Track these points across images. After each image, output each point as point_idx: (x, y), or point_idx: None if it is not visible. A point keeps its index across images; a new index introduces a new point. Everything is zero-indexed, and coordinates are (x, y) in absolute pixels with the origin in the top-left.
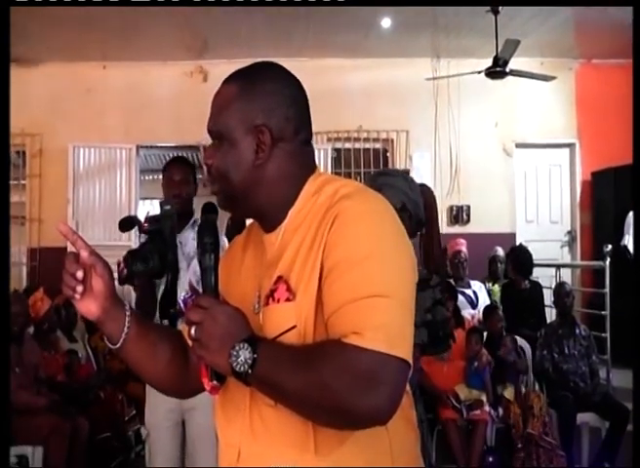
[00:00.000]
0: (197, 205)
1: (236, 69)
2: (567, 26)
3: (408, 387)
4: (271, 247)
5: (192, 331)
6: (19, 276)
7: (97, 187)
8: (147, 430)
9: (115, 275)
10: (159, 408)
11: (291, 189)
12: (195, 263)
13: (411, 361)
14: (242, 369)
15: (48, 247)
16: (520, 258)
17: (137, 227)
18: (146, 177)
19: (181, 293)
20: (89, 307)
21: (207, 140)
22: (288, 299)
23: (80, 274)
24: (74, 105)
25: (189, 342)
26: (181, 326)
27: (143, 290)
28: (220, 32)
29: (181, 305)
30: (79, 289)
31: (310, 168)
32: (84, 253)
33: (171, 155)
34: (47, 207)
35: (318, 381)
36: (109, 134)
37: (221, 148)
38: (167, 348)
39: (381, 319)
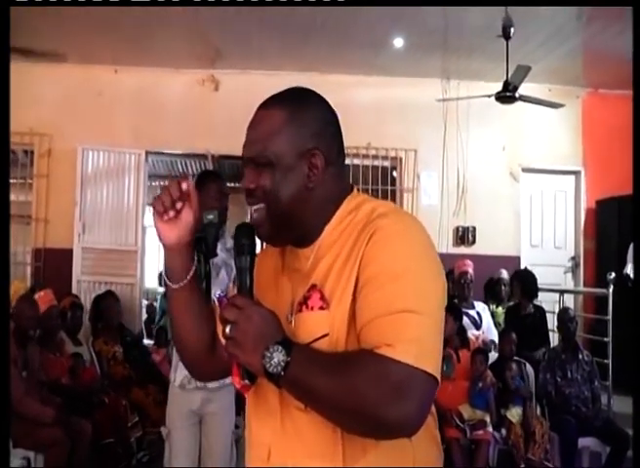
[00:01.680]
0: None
1: (272, 95)
2: (576, 55)
3: (433, 409)
4: (306, 258)
5: (227, 330)
6: (23, 276)
7: (104, 190)
8: (168, 429)
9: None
10: (182, 408)
11: (332, 207)
12: (223, 273)
13: (439, 377)
14: (275, 370)
15: (53, 248)
16: (526, 282)
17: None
18: (153, 183)
19: (217, 292)
20: (169, 232)
21: (215, 150)
22: (321, 308)
23: (180, 199)
24: (85, 107)
25: (220, 337)
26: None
27: None
28: (232, 43)
29: (216, 303)
30: (171, 213)
31: (349, 186)
32: (188, 182)
33: (178, 162)
34: (53, 207)
35: (349, 388)
36: (118, 137)
37: (270, 172)
38: (206, 323)
39: (413, 334)
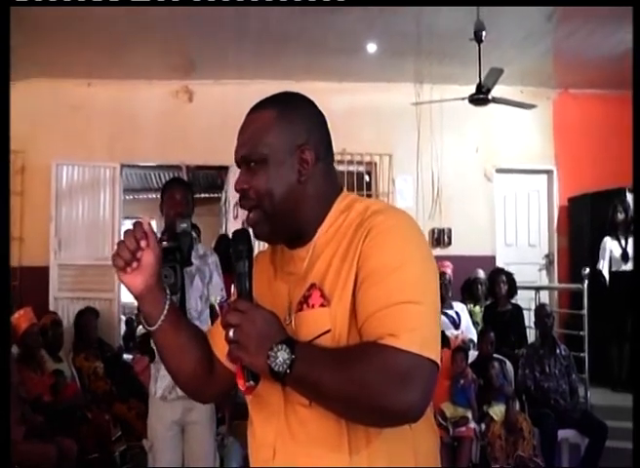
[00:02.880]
0: None
1: (263, 98)
2: (547, 56)
3: None
4: (301, 260)
5: (230, 334)
6: None
7: (80, 206)
8: (151, 441)
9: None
10: (164, 418)
11: (324, 206)
12: (197, 281)
13: (440, 363)
14: (281, 369)
15: (29, 266)
16: (504, 281)
17: None
18: (127, 197)
19: (217, 297)
20: (135, 281)
21: (190, 161)
22: (322, 305)
23: (138, 250)
24: (58, 122)
25: (214, 348)
26: (207, 331)
27: None
28: (206, 53)
29: (217, 309)
30: (134, 264)
31: (339, 186)
32: (147, 220)
33: (153, 174)
34: (29, 225)
35: (356, 380)
36: (93, 151)
37: (262, 170)
38: (198, 347)
39: (415, 323)
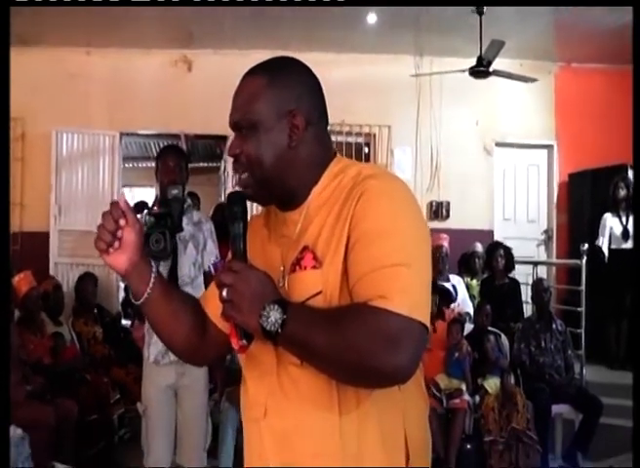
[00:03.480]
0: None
1: (256, 63)
2: (548, 30)
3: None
4: (293, 223)
5: (224, 293)
6: None
7: (79, 173)
8: (144, 404)
9: None
10: (157, 383)
11: (317, 170)
12: (190, 247)
13: (429, 326)
14: (272, 328)
15: (29, 231)
16: (502, 255)
17: (146, 210)
18: (126, 165)
19: (211, 258)
20: (118, 260)
21: (189, 130)
22: (314, 267)
23: (118, 230)
24: (57, 90)
25: (208, 312)
26: (200, 296)
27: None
28: (205, 23)
29: (212, 270)
30: (116, 244)
31: (332, 151)
32: (123, 198)
33: (152, 143)
34: (29, 191)
35: (346, 340)
36: (92, 120)
37: (253, 136)
38: (189, 314)
39: (404, 286)
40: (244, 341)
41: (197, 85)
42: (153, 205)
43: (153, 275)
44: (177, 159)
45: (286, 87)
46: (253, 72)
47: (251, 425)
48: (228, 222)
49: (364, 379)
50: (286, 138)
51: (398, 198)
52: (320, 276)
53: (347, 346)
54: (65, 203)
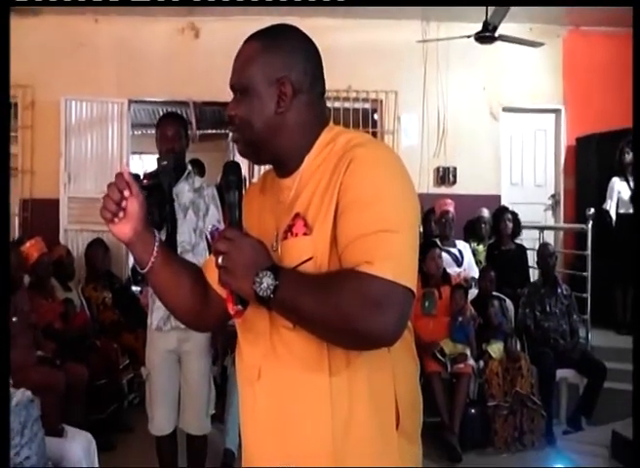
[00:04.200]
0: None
1: (257, 29)
2: None
3: (410, 324)
4: (288, 190)
5: (220, 260)
6: (11, 227)
7: (89, 140)
8: (148, 370)
9: None
10: (160, 348)
11: (307, 137)
12: (190, 214)
13: (415, 290)
14: (265, 294)
15: (39, 198)
16: (509, 219)
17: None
18: (135, 132)
19: (208, 226)
20: (123, 229)
21: (197, 97)
22: (305, 234)
23: (122, 200)
24: (66, 58)
25: (209, 279)
26: (202, 263)
27: None
28: None
29: (209, 237)
30: (120, 214)
31: (324, 119)
32: (127, 170)
33: (161, 110)
34: (39, 159)
35: (333, 304)
36: (101, 87)
37: (245, 100)
38: (190, 279)
39: (390, 251)
40: (239, 306)
41: (204, 52)
42: (144, 177)
43: (156, 244)
44: (174, 128)
45: (277, 54)
46: (251, 38)
47: (246, 387)
48: (224, 191)
49: (351, 341)
50: (274, 105)
51: (385, 165)
52: (311, 243)
53: (335, 310)
54: (75, 170)
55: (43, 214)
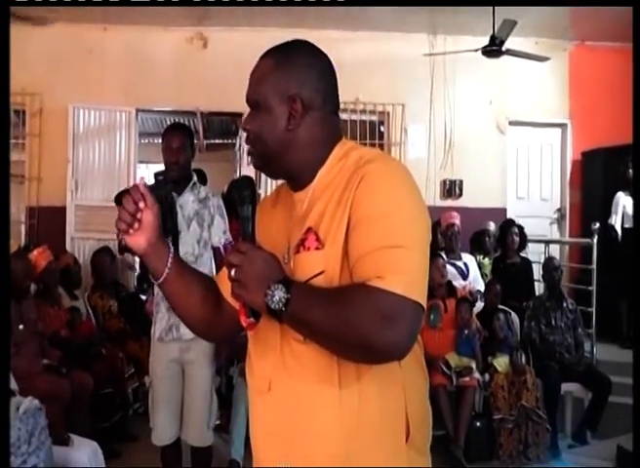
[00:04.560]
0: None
1: (271, 41)
2: (563, 8)
3: (419, 338)
4: (300, 204)
5: (232, 273)
6: (18, 234)
7: (96, 148)
8: (151, 378)
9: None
10: (162, 358)
11: (319, 153)
12: (194, 225)
13: (424, 305)
14: (277, 307)
15: (46, 206)
16: (515, 233)
17: None
18: (142, 141)
19: (220, 233)
20: (138, 240)
21: (205, 107)
22: (317, 248)
23: (137, 211)
24: (75, 66)
25: (222, 290)
26: (215, 275)
27: None
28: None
29: (222, 250)
30: (135, 225)
31: (337, 135)
32: (142, 182)
33: (168, 119)
34: (46, 166)
35: (344, 318)
36: (109, 96)
37: (258, 115)
38: (202, 290)
39: (401, 266)
40: (252, 319)
41: (212, 62)
42: None
43: (170, 255)
44: (179, 139)
45: (290, 71)
46: (266, 54)
47: (256, 397)
48: (238, 205)
49: (362, 355)
50: (285, 121)
51: (397, 182)
52: (322, 257)
53: (345, 324)
54: (82, 178)
55: (50, 222)
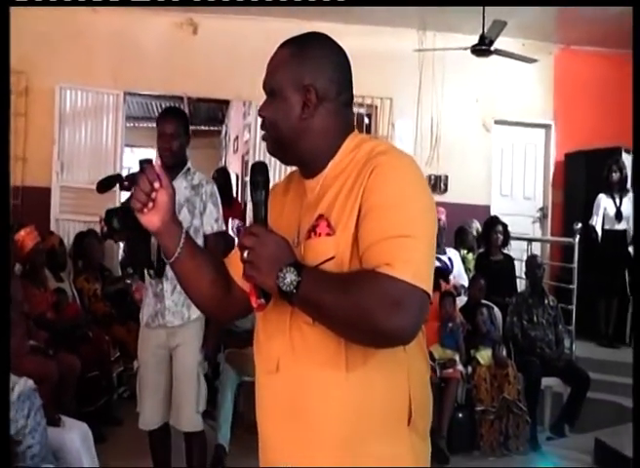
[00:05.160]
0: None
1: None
2: (550, 11)
3: (422, 326)
4: (312, 191)
5: (245, 255)
6: None
7: (83, 130)
8: (138, 363)
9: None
10: (149, 343)
11: (331, 143)
12: (185, 212)
13: (431, 294)
14: (288, 289)
15: (31, 186)
16: (500, 231)
17: (118, 185)
18: (127, 125)
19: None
20: (152, 219)
21: (192, 93)
22: (328, 234)
23: (152, 191)
24: (63, 46)
25: (232, 273)
26: (226, 258)
27: (134, 240)
28: None
29: (235, 232)
30: (150, 204)
31: (349, 126)
32: (158, 162)
33: (155, 104)
34: (32, 146)
35: (353, 303)
36: (97, 77)
37: (274, 103)
38: (213, 271)
39: (410, 255)
40: (262, 300)
41: (202, 48)
42: (126, 179)
43: (183, 236)
44: (172, 125)
45: (305, 62)
46: (283, 44)
47: (264, 377)
48: (251, 190)
49: (370, 339)
50: (299, 110)
51: (407, 173)
52: (333, 243)
53: (355, 308)
54: (68, 159)
55: (34, 203)
